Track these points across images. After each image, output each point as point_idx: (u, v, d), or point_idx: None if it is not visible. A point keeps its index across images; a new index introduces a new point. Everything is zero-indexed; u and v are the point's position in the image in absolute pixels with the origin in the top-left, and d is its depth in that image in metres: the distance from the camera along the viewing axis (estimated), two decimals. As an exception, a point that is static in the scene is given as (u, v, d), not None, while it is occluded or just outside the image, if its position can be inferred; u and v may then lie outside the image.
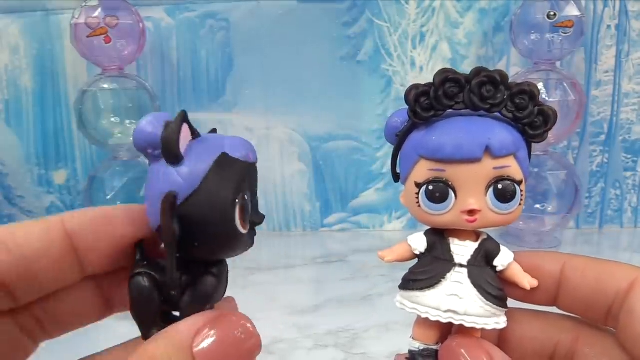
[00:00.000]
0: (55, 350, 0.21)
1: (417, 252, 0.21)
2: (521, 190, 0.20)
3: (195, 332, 0.16)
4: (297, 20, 0.65)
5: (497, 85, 0.19)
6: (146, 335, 0.18)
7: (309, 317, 0.48)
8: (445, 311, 0.19)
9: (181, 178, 0.17)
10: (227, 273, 0.19)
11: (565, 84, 0.58)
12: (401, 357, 0.21)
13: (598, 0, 0.64)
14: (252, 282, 0.54)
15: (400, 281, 0.21)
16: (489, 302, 0.19)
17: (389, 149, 0.25)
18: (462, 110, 0.20)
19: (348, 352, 0.42)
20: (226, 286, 0.19)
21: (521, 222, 0.62)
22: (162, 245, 0.20)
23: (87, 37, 0.58)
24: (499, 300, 0.20)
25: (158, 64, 0.67)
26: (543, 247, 0.63)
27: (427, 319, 0.20)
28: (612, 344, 0.20)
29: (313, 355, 0.42)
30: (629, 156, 0.67)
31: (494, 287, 0.20)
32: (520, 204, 0.20)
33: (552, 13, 0.57)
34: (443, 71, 0.20)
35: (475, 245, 0.20)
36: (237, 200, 0.17)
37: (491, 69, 0.20)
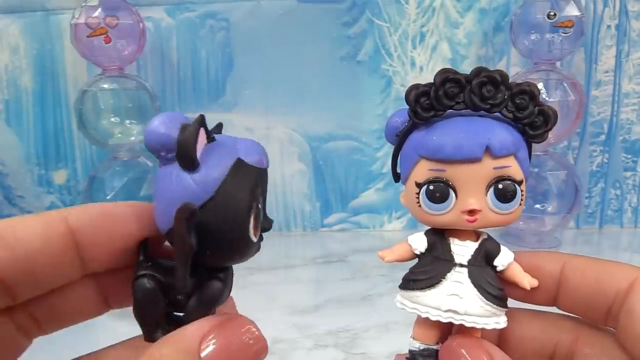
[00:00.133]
0: (54, 349, 0.21)
1: (418, 252, 0.21)
2: (521, 190, 0.20)
3: (201, 336, 0.16)
4: (297, 20, 0.65)
5: (497, 85, 0.19)
6: (149, 336, 0.18)
7: (309, 317, 0.48)
8: (446, 311, 0.19)
9: (196, 185, 0.16)
10: (232, 277, 0.19)
11: (565, 84, 0.58)
12: (401, 357, 0.21)
13: (598, 0, 0.64)
14: (252, 282, 0.54)
15: (401, 281, 0.21)
16: (489, 302, 0.19)
17: (389, 149, 0.25)
18: (463, 111, 0.20)
19: (348, 352, 0.42)
20: (231, 289, 0.19)
21: (521, 222, 0.62)
22: (166, 243, 0.20)
23: (87, 37, 0.58)
24: (499, 300, 0.20)
25: (158, 64, 0.67)
26: (543, 247, 0.63)
27: (427, 318, 0.20)
28: (612, 343, 0.20)
29: (313, 355, 0.42)
30: (629, 156, 0.67)
31: (494, 287, 0.20)
32: (520, 204, 0.20)
33: (552, 13, 0.57)
34: (443, 71, 0.20)
35: (476, 245, 0.20)
36: (252, 209, 0.17)
37: (491, 69, 0.20)
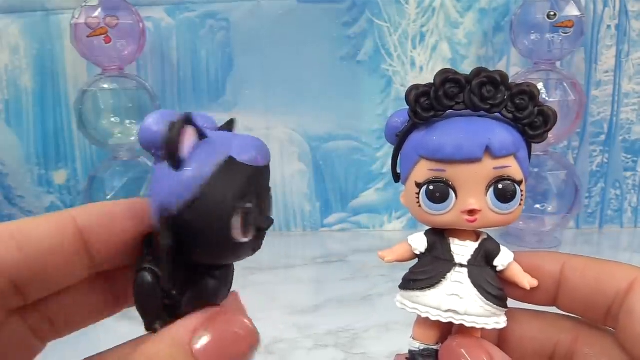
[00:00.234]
0: (56, 350, 0.21)
1: (418, 252, 0.21)
2: (521, 190, 0.20)
3: (192, 330, 0.16)
4: (297, 20, 0.65)
5: (497, 85, 0.19)
6: (149, 327, 0.18)
7: (309, 317, 0.48)
8: (446, 311, 0.19)
9: (179, 183, 0.16)
10: (232, 274, 0.19)
11: (565, 84, 0.59)
12: (401, 357, 0.21)
13: (598, 0, 0.64)
14: (252, 282, 0.54)
15: (401, 281, 0.21)
16: (489, 302, 0.19)
17: (389, 149, 0.25)
18: (463, 111, 0.20)
19: (348, 352, 0.42)
20: (230, 287, 0.19)
21: (521, 222, 0.62)
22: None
23: (87, 37, 0.58)
24: (499, 300, 0.20)
25: (158, 64, 0.67)
26: (543, 247, 0.63)
27: (427, 318, 0.20)
28: (611, 343, 0.20)
29: (313, 355, 0.42)
30: (629, 156, 0.67)
31: (494, 287, 0.20)
32: (520, 204, 0.20)
33: (552, 13, 0.57)
34: (443, 71, 0.20)
35: (476, 245, 0.20)
36: (236, 210, 0.16)
37: (491, 69, 0.20)
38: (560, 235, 0.65)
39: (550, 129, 0.20)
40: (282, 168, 0.69)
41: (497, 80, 0.19)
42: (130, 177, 0.61)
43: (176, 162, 0.16)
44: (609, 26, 0.64)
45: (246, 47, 0.66)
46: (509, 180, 0.19)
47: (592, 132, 0.67)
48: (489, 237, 0.21)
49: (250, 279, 0.54)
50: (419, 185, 0.20)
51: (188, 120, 0.17)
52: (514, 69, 0.65)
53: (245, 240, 0.17)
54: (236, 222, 0.16)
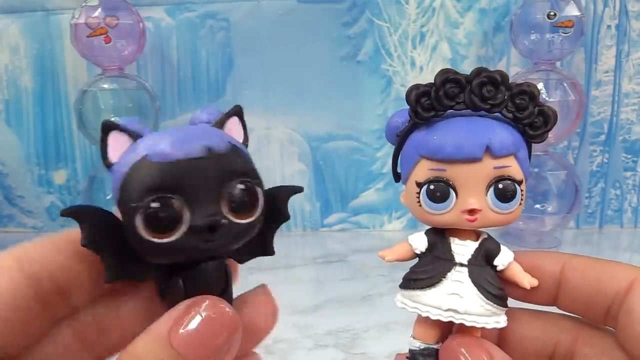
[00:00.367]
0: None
1: (418, 252, 0.21)
2: (521, 190, 0.20)
3: (170, 323, 0.16)
4: (297, 20, 0.65)
5: (497, 85, 0.19)
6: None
7: (309, 317, 0.48)
8: (446, 310, 0.19)
9: (112, 184, 0.18)
10: (210, 274, 0.18)
11: (565, 84, 0.59)
12: (402, 356, 0.21)
13: (598, 0, 0.64)
14: (252, 282, 0.54)
15: (401, 280, 0.21)
16: (489, 301, 0.19)
17: (389, 149, 0.25)
18: (463, 111, 0.20)
19: (348, 352, 0.42)
20: (202, 287, 0.18)
21: (521, 222, 0.62)
22: None
23: (87, 37, 0.58)
24: (499, 299, 0.20)
25: (158, 64, 0.67)
26: (543, 247, 0.63)
27: (427, 318, 0.20)
28: (611, 343, 0.20)
29: (313, 355, 0.42)
30: (629, 156, 0.67)
31: (495, 286, 0.20)
32: (520, 204, 0.20)
33: (552, 13, 0.57)
34: (444, 71, 0.20)
35: (476, 244, 0.20)
36: (137, 209, 0.16)
37: (491, 69, 0.20)
38: (560, 235, 0.66)
39: (550, 129, 0.20)
40: (282, 168, 0.69)
41: (497, 80, 0.19)
42: (130, 177, 0.61)
43: (106, 164, 0.18)
44: (609, 26, 0.64)
45: (246, 47, 0.66)
46: (509, 179, 0.19)
47: (592, 132, 0.67)
48: (489, 237, 0.21)
49: (249, 279, 0.54)
50: (419, 185, 0.20)
51: (113, 126, 0.18)
52: (514, 69, 0.65)
53: (160, 240, 0.16)
54: (139, 221, 0.16)
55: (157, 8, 0.66)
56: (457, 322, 0.20)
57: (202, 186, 0.17)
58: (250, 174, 0.18)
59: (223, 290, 0.19)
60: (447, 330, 0.21)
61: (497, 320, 0.20)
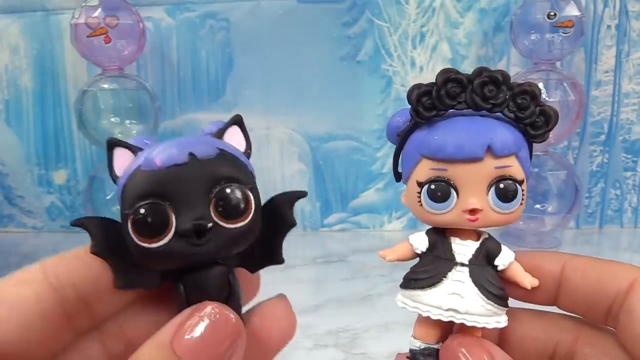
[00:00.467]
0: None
1: (419, 252, 0.21)
2: (522, 190, 0.20)
3: (173, 329, 0.16)
4: (297, 20, 0.65)
5: (499, 85, 0.19)
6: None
7: (309, 317, 0.48)
8: (447, 310, 0.19)
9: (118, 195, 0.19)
10: (211, 281, 0.18)
11: (565, 84, 0.59)
12: (402, 356, 0.21)
13: (598, 0, 0.64)
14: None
15: (401, 280, 0.21)
16: (490, 301, 0.19)
17: (389, 149, 0.25)
18: (464, 110, 0.20)
19: (348, 352, 0.42)
20: (203, 293, 0.18)
21: (521, 222, 0.62)
22: None
23: (87, 37, 0.58)
24: (499, 299, 0.20)
25: (158, 64, 0.67)
26: (543, 247, 0.63)
27: (428, 317, 0.20)
28: (612, 343, 0.20)
29: (313, 355, 0.42)
30: (629, 156, 0.67)
31: (495, 286, 0.20)
32: (521, 204, 0.20)
33: (552, 13, 0.57)
34: (445, 71, 0.20)
35: (477, 244, 0.20)
36: (127, 216, 0.17)
37: (492, 69, 0.20)
38: (560, 235, 0.66)
39: (551, 129, 0.20)
40: (282, 168, 0.69)
41: (498, 80, 0.19)
42: (130, 177, 0.61)
43: (113, 179, 0.19)
44: (609, 26, 0.64)
45: (246, 47, 0.66)
46: (510, 179, 0.19)
47: (592, 132, 0.67)
48: (490, 237, 0.21)
49: (250, 279, 0.54)
50: (420, 185, 0.20)
51: (117, 143, 0.19)
52: (514, 69, 0.65)
53: (150, 244, 0.17)
54: (130, 227, 0.17)
55: (157, 8, 0.66)
56: (457, 322, 0.20)
57: (189, 191, 0.17)
58: (240, 179, 0.18)
59: (227, 297, 0.19)
60: (447, 330, 0.21)
61: (497, 320, 0.20)
